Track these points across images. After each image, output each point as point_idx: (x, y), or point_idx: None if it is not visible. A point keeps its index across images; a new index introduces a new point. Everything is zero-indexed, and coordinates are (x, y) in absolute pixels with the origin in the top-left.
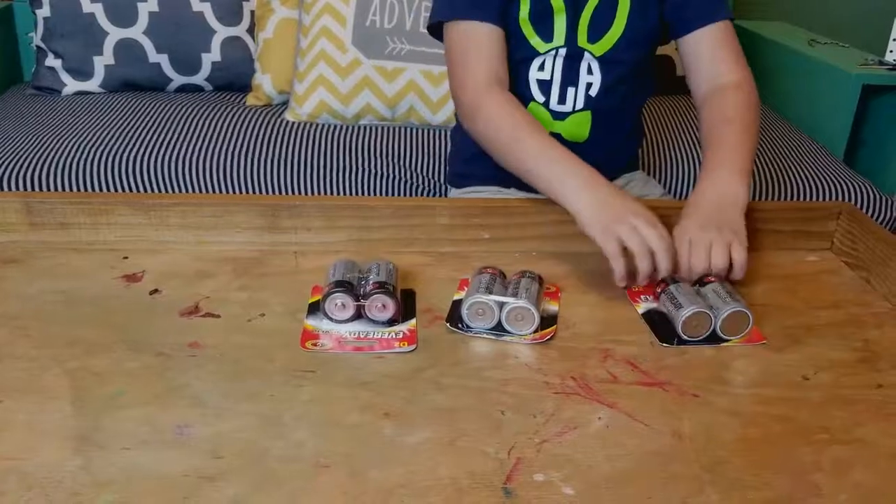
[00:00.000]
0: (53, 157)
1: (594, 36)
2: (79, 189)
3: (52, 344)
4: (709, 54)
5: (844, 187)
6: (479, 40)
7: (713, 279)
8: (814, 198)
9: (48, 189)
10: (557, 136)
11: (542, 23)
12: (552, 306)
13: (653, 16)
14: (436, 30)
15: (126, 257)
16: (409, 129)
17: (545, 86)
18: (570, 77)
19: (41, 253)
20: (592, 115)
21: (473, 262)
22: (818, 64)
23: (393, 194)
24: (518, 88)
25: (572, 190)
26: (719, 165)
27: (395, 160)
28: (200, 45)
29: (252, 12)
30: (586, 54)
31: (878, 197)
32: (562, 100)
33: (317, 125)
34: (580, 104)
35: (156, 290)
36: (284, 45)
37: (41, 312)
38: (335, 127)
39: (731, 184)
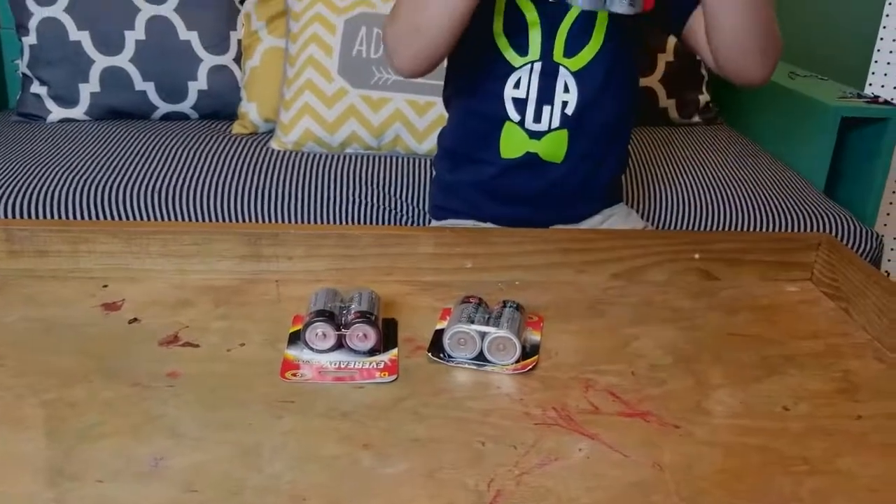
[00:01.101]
0: (35, 185)
1: (571, 50)
2: (60, 217)
3: (29, 373)
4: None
5: (825, 218)
6: None
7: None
8: (794, 229)
9: (29, 217)
10: (534, 156)
11: (517, 36)
12: (534, 336)
13: (634, 26)
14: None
15: (106, 285)
16: (394, 158)
17: (520, 104)
18: (545, 94)
19: (20, 281)
20: (569, 135)
21: (456, 291)
22: (798, 96)
23: (377, 223)
24: (493, 106)
25: None
26: None
27: (380, 189)
28: (187, 74)
29: (239, 41)
30: (562, 70)
31: (857, 228)
32: (537, 118)
33: (302, 154)
34: (556, 122)
35: (135, 319)
36: (271, 73)
37: (19, 341)
38: (320, 155)
39: None
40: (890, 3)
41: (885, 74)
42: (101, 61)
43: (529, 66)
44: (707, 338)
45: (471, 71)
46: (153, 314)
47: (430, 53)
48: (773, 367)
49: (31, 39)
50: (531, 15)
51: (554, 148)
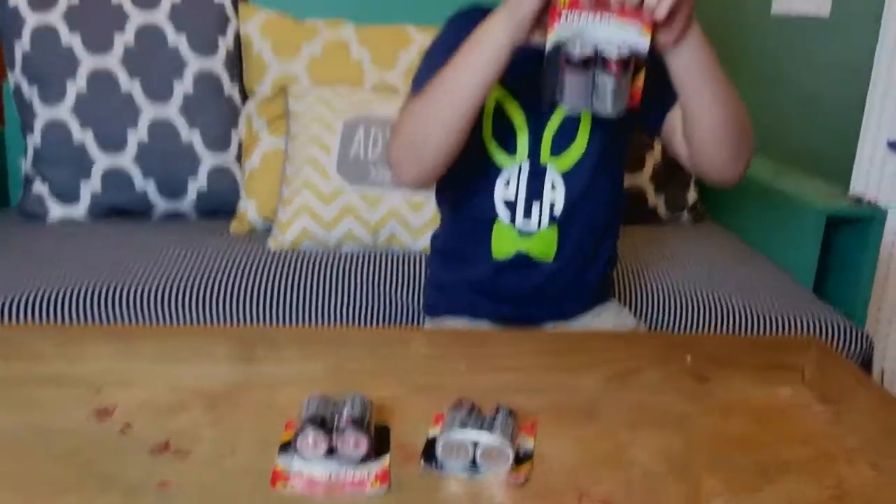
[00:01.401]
0: (32, 287)
1: (558, 151)
2: (56, 319)
3: (20, 482)
4: None
5: (814, 318)
6: None
7: None
8: (784, 328)
9: (25, 319)
10: (525, 256)
11: (505, 139)
12: (528, 442)
13: (618, 126)
14: None
15: (99, 391)
16: (390, 255)
17: (510, 204)
18: (534, 194)
19: (14, 386)
20: (559, 233)
21: (450, 393)
22: (783, 196)
23: (373, 322)
24: (483, 207)
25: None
26: None
27: (376, 287)
28: (187, 173)
29: (240, 141)
30: (550, 170)
31: (847, 328)
32: (527, 217)
33: (299, 252)
34: (545, 221)
35: (127, 426)
36: (270, 173)
37: (10, 448)
38: (317, 254)
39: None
40: (871, 109)
41: (868, 172)
42: (103, 161)
43: (518, 167)
44: (701, 443)
45: (461, 172)
46: (145, 420)
47: (433, 167)
48: (768, 474)
49: (35, 139)
50: (519, 119)
51: (544, 247)
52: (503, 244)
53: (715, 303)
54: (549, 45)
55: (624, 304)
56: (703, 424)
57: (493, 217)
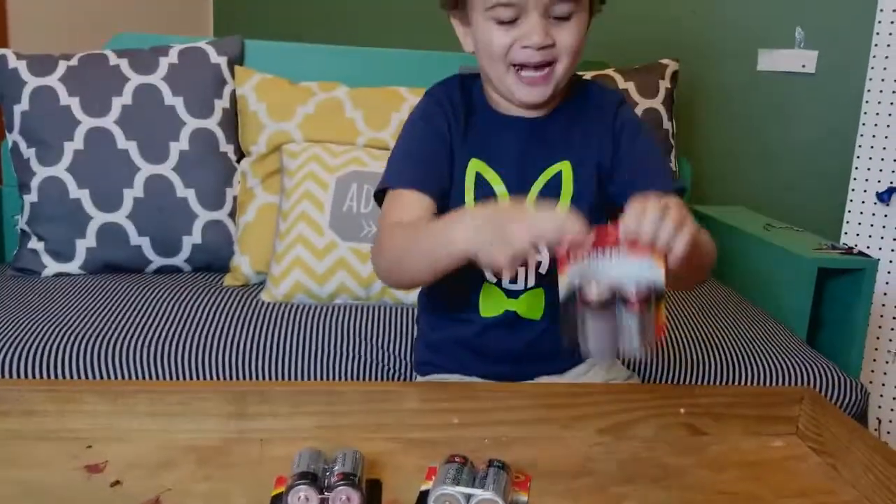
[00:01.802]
0: (26, 341)
1: None
2: (49, 374)
3: None
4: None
5: (809, 369)
6: (404, 201)
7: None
8: (779, 380)
9: (18, 374)
10: (513, 314)
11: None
12: (521, 496)
13: (598, 196)
14: (380, 196)
15: (90, 446)
16: (382, 308)
17: None
18: None
19: (4, 441)
20: (545, 292)
21: (442, 448)
22: (775, 248)
23: (365, 375)
24: (473, 270)
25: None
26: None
27: (368, 340)
28: (182, 229)
29: (235, 197)
30: None
31: (842, 379)
32: (513, 279)
33: (291, 305)
34: (531, 282)
35: (117, 482)
36: (264, 228)
37: None
38: (309, 307)
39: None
40: (857, 167)
41: (860, 223)
42: (98, 217)
43: None
44: (696, 497)
45: None
46: (136, 476)
47: (419, 285)
48: None
49: (32, 197)
50: (499, 187)
51: (532, 306)
52: (491, 304)
53: (709, 354)
54: (562, 291)
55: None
56: (698, 478)
57: (481, 278)
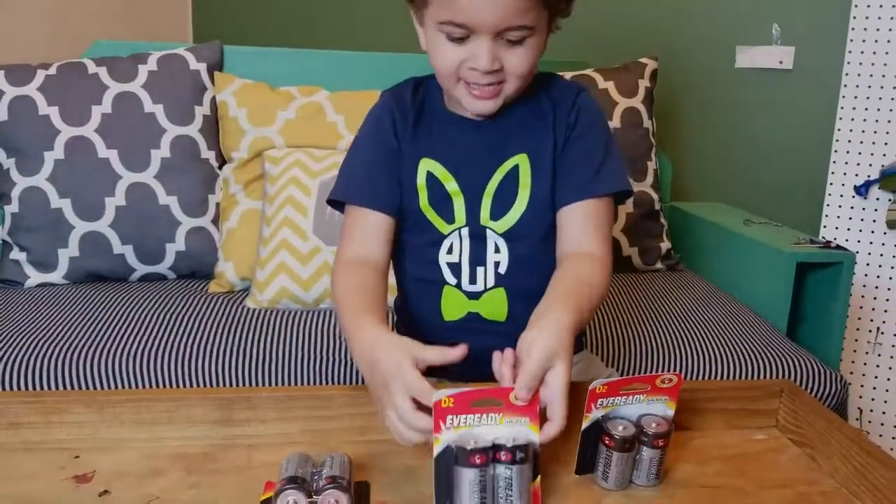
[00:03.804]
0: (9, 352)
1: (497, 214)
2: (34, 385)
3: None
4: (576, 227)
5: (789, 362)
6: (357, 223)
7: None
8: (760, 373)
9: (2, 385)
10: (476, 316)
11: (443, 207)
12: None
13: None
14: (333, 203)
15: (77, 456)
16: None
17: (455, 268)
18: (477, 256)
19: None
20: (507, 293)
21: (426, 448)
22: (754, 243)
23: (351, 380)
24: (431, 272)
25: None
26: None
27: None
28: (165, 236)
29: (217, 204)
30: (490, 232)
31: (822, 371)
32: (472, 280)
33: (276, 311)
34: (491, 282)
35: (105, 492)
36: (247, 233)
37: None
38: (295, 312)
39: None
40: (834, 161)
41: (839, 217)
42: (80, 227)
43: (458, 231)
44: (678, 492)
45: (408, 240)
46: (124, 485)
47: None
48: None
49: (13, 208)
50: (451, 186)
51: (494, 308)
52: (453, 306)
53: (690, 348)
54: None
55: (596, 354)
56: (681, 472)
57: (441, 281)
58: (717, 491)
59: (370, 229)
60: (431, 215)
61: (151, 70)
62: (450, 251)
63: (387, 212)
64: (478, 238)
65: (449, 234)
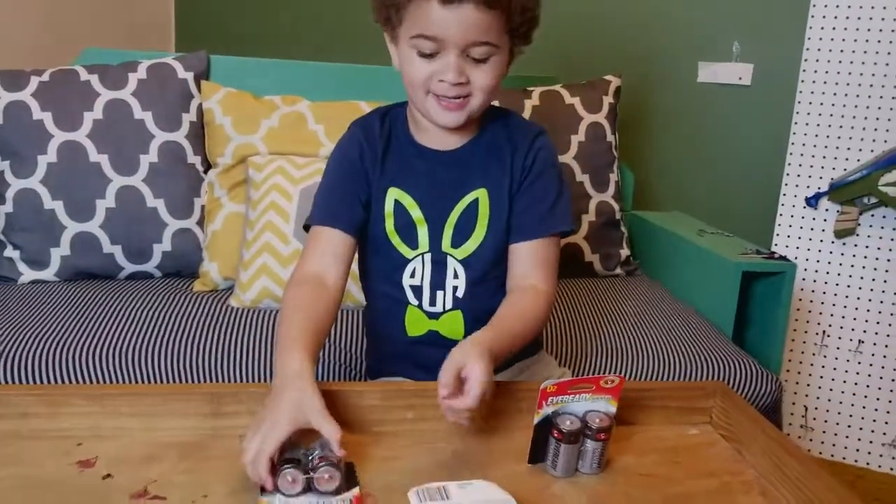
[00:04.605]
0: (3, 347)
1: (457, 242)
2: (28, 379)
3: None
4: (524, 264)
5: (730, 364)
6: (318, 241)
7: None
8: (703, 374)
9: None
10: (436, 333)
11: (407, 233)
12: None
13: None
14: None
15: (80, 444)
16: (344, 312)
17: (417, 289)
18: (437, 281)
19: (4, 441)
20: (463, 315)
21: (402, 440)
22: (705, 252)
23: (329, 376)
24: (395, 291)
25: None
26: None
27: (330, 342)
28: (153, 237)
29: (202, 207)
30: (450, 259)
31: (760, 372)
32: (432, 302)
33: (259, 310)
34: (449, 304)
35: (108, 475)
36: (231, 236)
37: (2, 499)
38: (276, 312)
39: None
40: (788, 174)
41: (790, 226)
42: (72, 227)
43: (421, 257)
44: (618, 479)
45: (374, 262)
46: (124, 470)
47: None
48: None
49: (7, 208)
50: (416, 214)
51: (452, 326)
52: (415, 324)
53: (640, 350)
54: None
55: (553, 353)
56: (622, 463)
57: (405, 300)
58: (652, 478)
59: (326, 247)
60: (396, 241)
61: (141, 78)
62: (412, 275)
63: (343, 229)
64: (439, 264)
65: (413, 259)
